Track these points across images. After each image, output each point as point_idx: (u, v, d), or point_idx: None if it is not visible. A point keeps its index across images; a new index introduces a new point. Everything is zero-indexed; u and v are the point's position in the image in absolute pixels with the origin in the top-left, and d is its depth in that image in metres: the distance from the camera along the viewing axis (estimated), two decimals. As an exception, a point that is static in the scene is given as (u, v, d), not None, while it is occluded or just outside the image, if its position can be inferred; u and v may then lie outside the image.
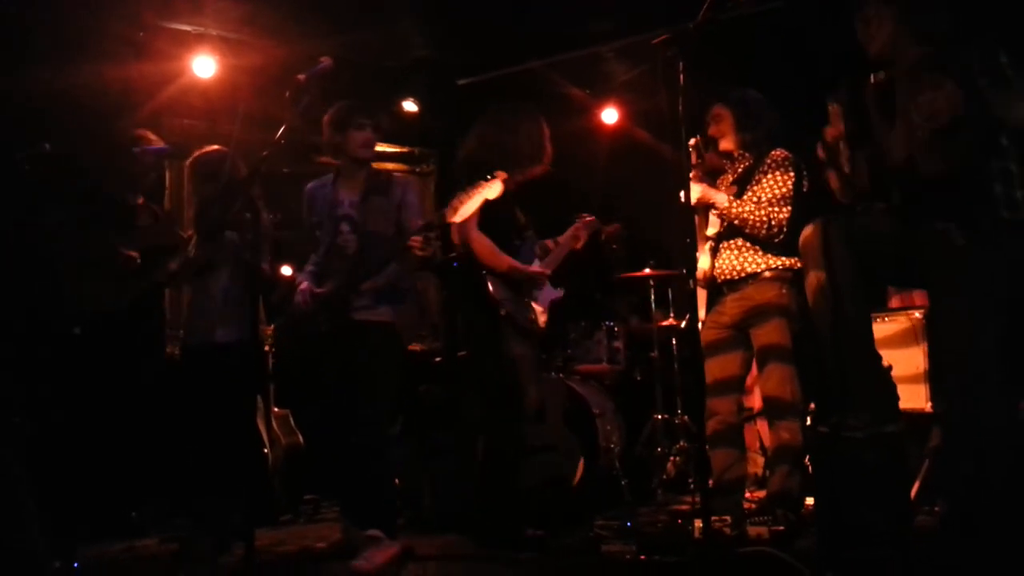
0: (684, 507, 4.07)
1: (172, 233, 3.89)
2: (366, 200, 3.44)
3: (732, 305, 3.60)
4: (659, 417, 5.11)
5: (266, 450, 4.32)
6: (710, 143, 3.73)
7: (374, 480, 3.26)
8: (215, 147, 3.83)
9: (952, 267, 2.51)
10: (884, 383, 2.69)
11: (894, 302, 4.15)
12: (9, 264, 3.48)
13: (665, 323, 5.16)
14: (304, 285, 3.41)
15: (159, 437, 3.84)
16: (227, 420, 3.62)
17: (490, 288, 3.53)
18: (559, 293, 3.87)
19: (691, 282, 2.75)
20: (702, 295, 3.71)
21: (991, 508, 2.36)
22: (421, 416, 4.57)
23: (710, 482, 3.47)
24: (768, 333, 3.50)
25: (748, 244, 3.60)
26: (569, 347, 5.21)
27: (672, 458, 4.85)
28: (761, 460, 4.44)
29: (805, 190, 3.59)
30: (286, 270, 4.39)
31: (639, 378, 5.50)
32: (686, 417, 5.05)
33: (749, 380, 3.82)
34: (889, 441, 2.52)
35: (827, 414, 2.66)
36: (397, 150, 6.37)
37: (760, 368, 3.56)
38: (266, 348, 4.48)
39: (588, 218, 4.05)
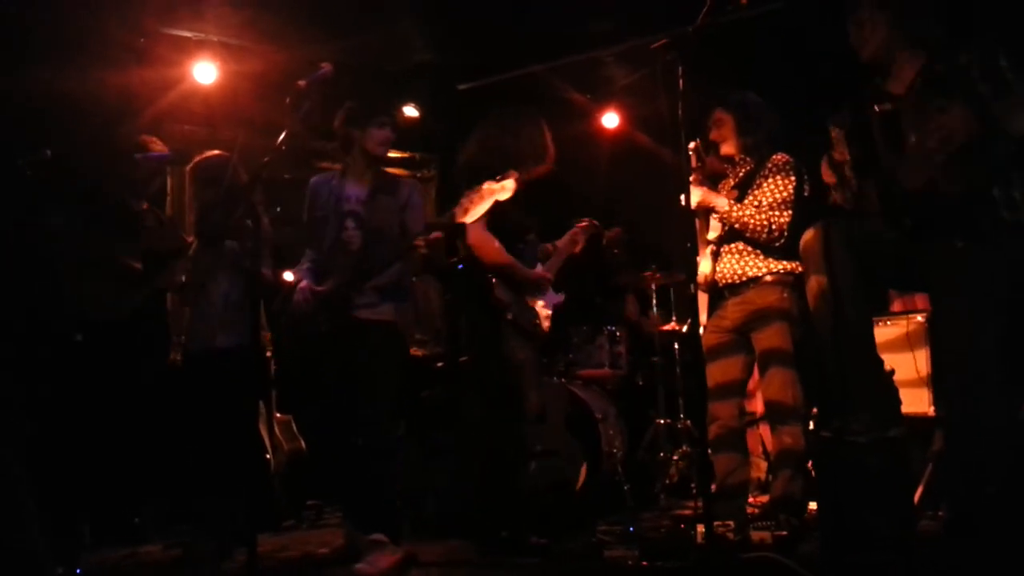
0: (687, 512, 4.04)
1: (175, 237, 3.89)
2: (374, 198, 3.41)
3: (733, 309, 3.60)
4: (661, 421, 5.12)
5: (268, 455, 4.32)
6: (710, 147, 3.73)
7: (375, 482, 3.23)
8: (216, 152, 3.83)
9: (952, 268, 2.51)
10: (886, 387, 2.68)
11: (896, 306, 4.15)
12: (9, 264, 3.48)
13: (667, 327, 5.16)
14: (304, 283, 3.36)
15: (161, 443, 3.85)
16: (228, 425, 3.61)
17: (495, 291, 3.53)
18: (560, 298, 3.87)
19: (692, 286, 2.75)
20: (703, 299, 3.70)
21: (991, 509, 2.36)
22: (422, 417, 4.57)
23: (713, 487, 3.47)
24: (769, 337, 3.50)
25: (749, 248, 3.59)
26: (571, 352, 5.21)
27: (675, 462, 4.85)
28: (764, 464, 4.43)
29: (806, 194, 3.58)
30: (288, 275, 4.39)
31: (641, 382, 5.50)
32: (688, 421, 5.05)
33: (751, 384, 3.81)
34: (892, 445, 2.52)
35: (829, 418, 2.66)
36: (398, 155, 6.36)
37: (762, 372, 3.56)
38: (267, 354, 4.47)
39: (584, 222, 4.05)
